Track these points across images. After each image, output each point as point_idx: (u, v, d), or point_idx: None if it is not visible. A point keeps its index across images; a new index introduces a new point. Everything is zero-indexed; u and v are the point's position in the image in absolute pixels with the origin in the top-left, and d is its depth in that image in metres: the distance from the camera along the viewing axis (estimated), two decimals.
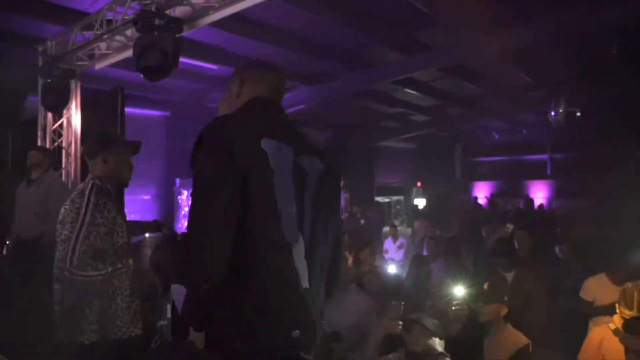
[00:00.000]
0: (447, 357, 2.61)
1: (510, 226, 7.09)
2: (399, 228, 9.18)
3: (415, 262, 4.77)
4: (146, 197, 9.61)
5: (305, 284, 1.37)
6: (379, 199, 15.98)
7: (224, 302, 1.35)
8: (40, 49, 5.55)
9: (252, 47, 7.16)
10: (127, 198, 4.15)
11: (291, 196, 1.36)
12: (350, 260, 4.64)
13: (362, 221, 10.09)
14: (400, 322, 2.67)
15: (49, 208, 4.04)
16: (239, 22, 5.45)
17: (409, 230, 11.13)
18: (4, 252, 4.35)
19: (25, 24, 6.04)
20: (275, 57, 7.78)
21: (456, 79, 9.54)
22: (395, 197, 18.40)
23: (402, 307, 2.78)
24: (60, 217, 2.51)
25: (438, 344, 2.68)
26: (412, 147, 16.78)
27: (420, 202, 16.01)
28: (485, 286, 2.80)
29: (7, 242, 4.31)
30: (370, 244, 5.41)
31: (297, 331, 1.34)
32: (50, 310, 2.44)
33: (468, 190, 16.55)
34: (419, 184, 17.44)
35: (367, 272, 4.20)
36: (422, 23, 6.67)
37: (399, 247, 7.64)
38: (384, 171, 15.67)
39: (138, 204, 9.00)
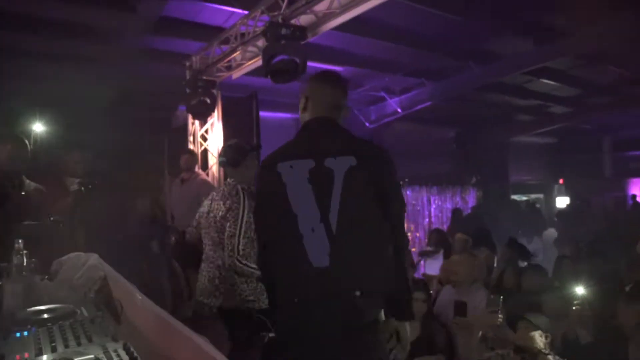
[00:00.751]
0: (549, 354, 2.51)
1: None
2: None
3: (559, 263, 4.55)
4: None
5: (319, 262, 1.73)
6: (515, 197, 15.11)
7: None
8: (187, 64, 6.25)
9: (374, 47, 7.28)
10: None
11: (309, 197, 1.78)
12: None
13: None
14: (500, 316, 2.63)
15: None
16: (359, 24, 5.59)
17: (550, 232, 10.36)
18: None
19: (173, 44, 6.85)
20: (397, 55, 7.84)
21: (599, 65, 8.66)
22: (533, 195, 17.23)
23: (501, 300, 2.76)
24: (208, 209, 2.98)
25: (541, 340, 2.58)
26: (551, 141, 15.53)
27: (563, 201, 14.77)
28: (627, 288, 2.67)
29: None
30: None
31: (296, 298, 1.77)
32: None
33: (621, 188, 14.85)
34: (560, 181, 16.10)
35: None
36: (555, 5, 6.21)
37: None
38: (519, 168, 14.73)
39: None
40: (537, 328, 2.67)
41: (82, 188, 3.24)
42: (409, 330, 1.94)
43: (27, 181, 2.80)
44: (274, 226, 1.86)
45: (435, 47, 7.50)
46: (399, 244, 1.84)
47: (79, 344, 1.27)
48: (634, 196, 13.22)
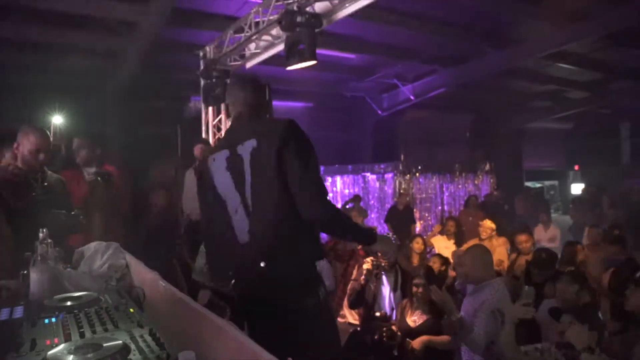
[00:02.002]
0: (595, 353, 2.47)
1: None
2: (552, 215, 8.45)
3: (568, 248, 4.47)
4: None
5: (243, 239, 1.95)
6: (529, 184, 14.95)
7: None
8: (200, 54, 6.26)
9: (387, 34, 7.22)
10: None
11: (230, 183, 1.99)
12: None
13: (506, 207, 9.47)
14: (533, 309, 2.59)
15: None
16: (374, 11, 5.55)
17: (565, 219, 10.24)
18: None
19: (186, 34, 6.87)
20: (411, 41, 7.77)
21: (622, 47, 8.46)
22: (548, 182, 17.05)
23: (534, 293, 2.72)
24: None
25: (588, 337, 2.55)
26: (567, 127, 15.30)
27: (578, 188, 14.60)
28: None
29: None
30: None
31: (230, 272, 2.04)
32: None
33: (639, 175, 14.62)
34: (576, 167, 15.91)
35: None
36: None
37: (550, 240, 6.96)
38: (534, 154, 14.56)
39: None
40: (583, 323, 2.62)
41: (99, 178, 3.28)
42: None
43: (49, 172, 2.85)
44: (210, 211, 2.12)
45: (449, 32, 7.41)
46: (307, 200, 1.88)
47: (105, 330, 1.30)
48: None
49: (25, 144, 2.68)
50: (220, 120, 6.48)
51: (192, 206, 4.86)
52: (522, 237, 4.92)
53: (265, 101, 2.15)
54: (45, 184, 2.76)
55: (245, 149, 1.94)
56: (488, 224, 5.65)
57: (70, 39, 6.67)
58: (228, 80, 6.11)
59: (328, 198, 1.96)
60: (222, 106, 6.33)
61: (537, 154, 14.72)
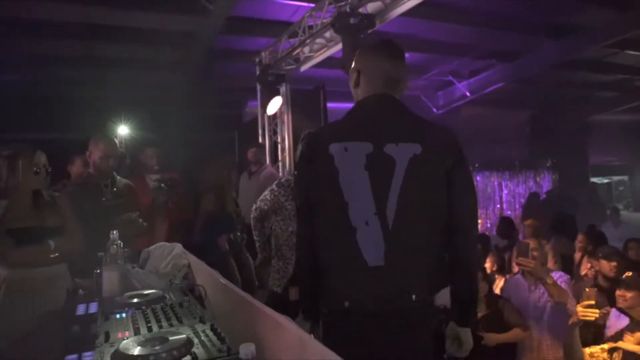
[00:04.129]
0: None
1: None
2: (622, 212, 7.99)
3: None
4: None
5: (375, 261, 1.55)
6: (595, 179, 14.21)
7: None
8: (256, 60, 6.42)
9: (440, 30, 7.10)
10: None
11: (364, 185, 1.58)
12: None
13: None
14: (597, 311, 2.48)
15: None
16: (425, 8, 5.48)
17: (635, 217, 9.68)
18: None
19: (243, 42, 7.06)
20: (465, 37, 7.59)
21: None
22: (616, 177, 16.13)
23: (596, 293, 2.61)
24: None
25: None
26: (637, 118, 14.40)
27: None
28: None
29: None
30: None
31: (347, 302, 1.57)
32: None
33: None
34: None
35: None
36: None
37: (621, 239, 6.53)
38: (600, 148, 13.81)
39: None
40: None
41: (162, 184, 3.46)
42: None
43: (118, 178, 3.06)
44: (323, 216, 1.65)
45: (505, 25, 7.19)
46: (467, 241, 1.65)
47: (171, 325, 1.37)
48: None
49: (96, 151, 2.91)
50: (276, 124, 6.61)
51: (246, 208, 4.99)
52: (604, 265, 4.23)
53: (406, 79, 1.77)
54: (115, 189, 2.97)
55: (402, 151, 1.58)
56: (531, 222, 5.29)
57: (134, 53, 7.03)
58: (284, 85, 6.24)
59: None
60: (278, 111, 6.45)
61: (605, 148, 13.94)
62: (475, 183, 1.73)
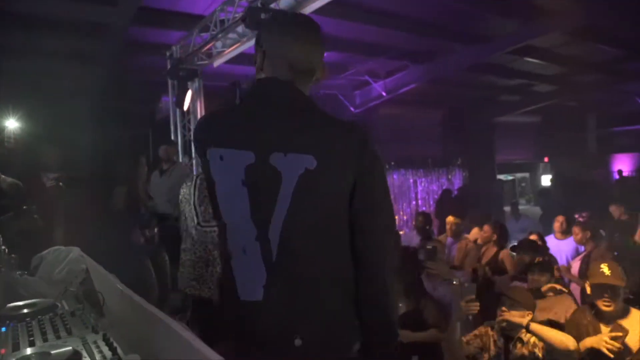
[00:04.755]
0: None
1: None
2: (522, 207, 8.63)
3: None
4: None
5: (249, 295, 1.26)
6: (501, 177, 15.22)
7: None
8: (167, 54, 6.16)
9: (358, 30, 7.22)
10: None
11: (243, 204, 1.25)
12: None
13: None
14: (477, 304, 2.61)
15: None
16: (341, 8, 5.55)
17: (535, 210, 10.46)
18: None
19: (154, 34, 6.75)
20: (381, 38, 7.79)
21: (587, 42, 8.66)
22: (519, 175, 17.39)
23: (475, 288, 2.79)
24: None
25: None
26: (536, 120, 15.61)
27: (547, 179, 14.92)
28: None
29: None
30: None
31: (231, 333, 1.33)
32: None
33: (605, 164, 15.02)
34: (545, 159, 16.24)
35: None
36: None
37: (521, 230, 7.06)
38: (505, 147, 14.82)
39: None
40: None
41: (60, 183, 3.20)
42: None
43: (2, 176, 2.75)
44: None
45: (418, 29, 7.47)
46: (377, 276, 1.30)
47: (58, 337, 1.26)
48: (620, 171, 13.39)
49: None
50: (189, 121, 6.39)
51: (158, 205, 4.77)
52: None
53: (322, 65, 1.40)
54: None
55: (291, 164, 1.23)
56: (452, 219, 5.62)
57: (37, 42, 6.49)
58: (196, 80, 6.05)
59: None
60: (191, 107, 6.24)
61: (509, 147, 14.98)
62: (392, 181, 1.60)
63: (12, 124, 6.35)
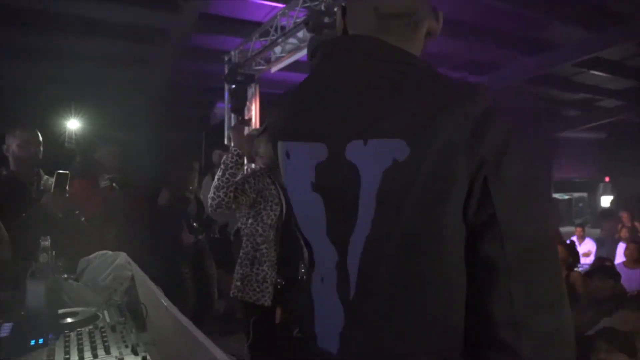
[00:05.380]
0: None
1: None
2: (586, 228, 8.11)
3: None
4: None
5: (326, 343, 0.90)
6: (557, 195, 14.51)
7: None
8: (225, 58, 6.18)
9: None
10: None
11: (317, 219, 0.90)
12: None
13: None
14: None
15: None
16: None
17: (593, 232, 9.84)
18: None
19: (214, 40, 6.81)
20: (441, 47, 7.54)
21: None
22: (577, 194, 16.53)
23: None
24: None
25: None
26: (600, 136, 14.76)
27: (607, 200, 14.07)
28: None
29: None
30: None
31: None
32: None
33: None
34: (606, 179, 15.34)
35: None
36: None
37: (586, 255, 6.59)
38: (564, 165, 14.10)
39: None
40: None
41: (114, 184, 3.18)
42: None
43: (45, 176, 2.73)
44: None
45: (479, 38, 7.17)
46: (521, 316, 0.75)
47: (95, 356, 1.16)
48: None
49: (12, 140, 2.59)
50: (239, 120, 6.36)
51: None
52: None
53: (428, 17, 0.94)
54: (42, 187, 2.65)
55: (372, 156, 0.81)
56: None
57: (99, 46, 6.68)
58: (252, 85, 6.03)
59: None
60: (246, 111, 6.22)
61: (567, 165, 14.24)
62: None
63: (74, 124, 6.55)
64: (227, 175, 2.50)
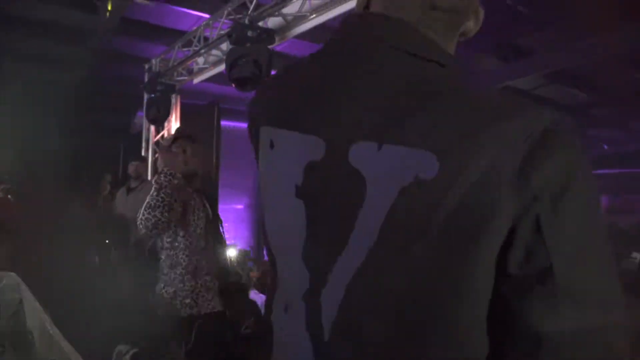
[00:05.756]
0: None
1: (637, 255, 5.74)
2: None
3: None
4: (239, 206, 9.96)
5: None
6: None
7: None
8: (146, 66, 5.95)
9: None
10: (221, 207, 4.29)
11: (293, 232, 0.69)
12: None
13: None
14: None
15: None
16: (324, 33, 5.46)
17: None
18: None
19: (136, 46, 6.54)
20: None
21: (561, 86, 8.86)
22: None
23: None
24: None
25: None
26: None
27: None
28: None
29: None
30: None
31: None
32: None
33: None
34: None
35: None
36: (524, 27, 6.27)
37: None
38: None
39: (231, 213, 9.37)
40: None
41: (8, 195, 2.91)
42: None
43: None
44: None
45: None
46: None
47: None
48: None
49: None
50: (162, 138, 6.14)
51: (122, 227, 4.49)
52: None
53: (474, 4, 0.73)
54: None
55: (387, 166, 0.59)
56: None
57: (10, 42, 6.19)
58: (173, 96, 5.84)
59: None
60: (166, 123, 6.01)
61: None
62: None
63: None
64: (162, 195, 2.44)
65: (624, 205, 13.98)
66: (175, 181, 2.49)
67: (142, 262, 4.03)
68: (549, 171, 0.56)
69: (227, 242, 3.37)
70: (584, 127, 12.07)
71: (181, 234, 2.61)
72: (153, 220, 2.42)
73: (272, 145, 0.73)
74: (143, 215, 2.44)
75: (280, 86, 0.79)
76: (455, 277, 0.57)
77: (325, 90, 0.69)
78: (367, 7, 0.75)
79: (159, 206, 2.42)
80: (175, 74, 5.61)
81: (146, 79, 5.90)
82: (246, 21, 3.95)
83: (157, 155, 2.72)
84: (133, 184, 4.69)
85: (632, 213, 13.55)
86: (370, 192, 0.60)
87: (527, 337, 0.56)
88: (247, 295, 3.85)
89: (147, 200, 2.47)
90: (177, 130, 2.22)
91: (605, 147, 14.50)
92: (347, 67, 0.68)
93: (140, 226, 2.49)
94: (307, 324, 0.66)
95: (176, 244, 2.62)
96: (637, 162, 13.76)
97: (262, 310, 0.86)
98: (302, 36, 4.64)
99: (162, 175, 2.49)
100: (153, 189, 2.48)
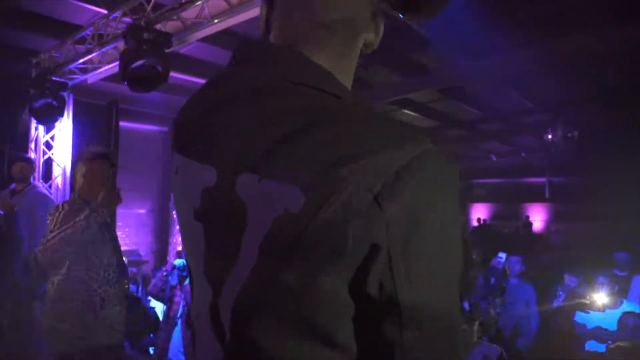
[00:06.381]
0: None
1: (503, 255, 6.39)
2: None
3: None
4: (141, 211, 9.56)
5: None
6: None
7: None
8: (33, 61, 5.55)
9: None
10: (122, 212, 4.12)
11: (197, 248, 0.77)
12: None
13: None
14: None
15: (35, 220, 3.99)
16: (231, 38, 5.45)
17: None
18: None
19: (21, 37, 6.07)
20: None
21: (455, 102, 9.54)
22: None
23: None
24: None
25: None
26: None
27: None
28: None
29: None
30: None
31: None
32: None
33: (465, 212, 16.48)
34: None
35: None
36: (420, 45, 6.67)
37: None
38: None
39: (133, 218, 8.97)
40: None
41: None
42: None
43: None
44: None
45: None
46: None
47: None
48: (478, 219, 14.73)
49: None
50: (52, 138, 5.76)
51: None
52: None
53: (373, 18, 0.79)
54: None
55: (264, 198, 0.65)
56: None
57: None
58: (65, 94, 5.51)
59: None
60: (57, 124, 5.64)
61: None
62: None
63: None
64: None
65: (508, 212, 15.32)
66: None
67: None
68: (398, 205, 0.60)
69: (128, 248, 3.33)
70: (475, 140, 13.13)
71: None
72: None
73: (176, 172, 0.82)
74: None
75: (189, 110, 0.83)
76: (317, 297, 0.63)
77: (219, 118, 0.74)
78: (267, 29, 0.81)
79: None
80: (67, 71, 5.29)
81: (33, 75, 5.50)
82: (143, 23, 3.85)
83: (77, 170, 2.56)
84: (18, 187, 4.36)
85: (515, 219, 14.90)
86: (250, 219, 0.66)
87: (381, 344, 0.64)
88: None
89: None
90: (102, 150, 2.20)
91: (494, 158, 15.79)
92: (239, 97, 0.73)
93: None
94: (212, 328, 0.74)
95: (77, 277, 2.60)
96: (520, 172, 15.16)
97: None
98: (206, 40, 4.62)
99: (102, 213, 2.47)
100: (92, 224, 2.41)
